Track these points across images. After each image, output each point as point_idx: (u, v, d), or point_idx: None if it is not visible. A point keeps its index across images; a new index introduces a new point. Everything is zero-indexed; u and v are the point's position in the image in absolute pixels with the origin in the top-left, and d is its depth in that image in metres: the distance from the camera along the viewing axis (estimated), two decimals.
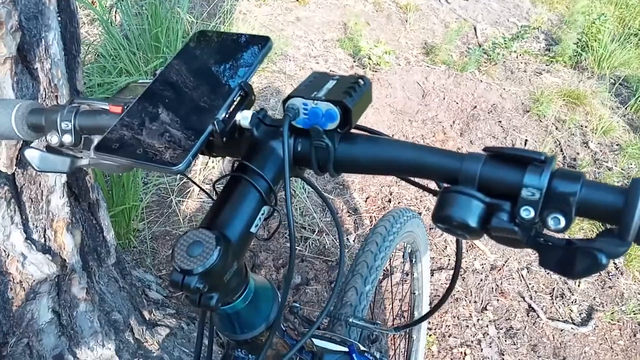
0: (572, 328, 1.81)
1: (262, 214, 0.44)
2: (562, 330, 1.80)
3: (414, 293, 1.27)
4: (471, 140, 2.54)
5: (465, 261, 1.98)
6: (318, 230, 1.88)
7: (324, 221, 1.94)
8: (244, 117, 0.45)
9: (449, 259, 1.97)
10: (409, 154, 0.43)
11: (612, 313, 1.90)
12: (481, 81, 2.99)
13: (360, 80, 0.45)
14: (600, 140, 2.71)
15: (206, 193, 0.51)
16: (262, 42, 0.49)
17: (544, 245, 0.38)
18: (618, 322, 1.89)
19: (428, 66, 3.05)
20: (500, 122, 2.68)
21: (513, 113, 2.77)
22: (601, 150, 2.65)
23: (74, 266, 0.96)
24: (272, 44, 0.50)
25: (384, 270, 1.78)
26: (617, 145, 2.72)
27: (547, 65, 3.27)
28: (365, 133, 0.50)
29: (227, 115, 0.44)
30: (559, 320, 1.83)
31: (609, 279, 2.04)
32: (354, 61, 2.95)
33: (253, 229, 0.43)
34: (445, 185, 0.41)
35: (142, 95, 0.47)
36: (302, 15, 3.24)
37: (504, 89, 2.96)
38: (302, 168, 0.48)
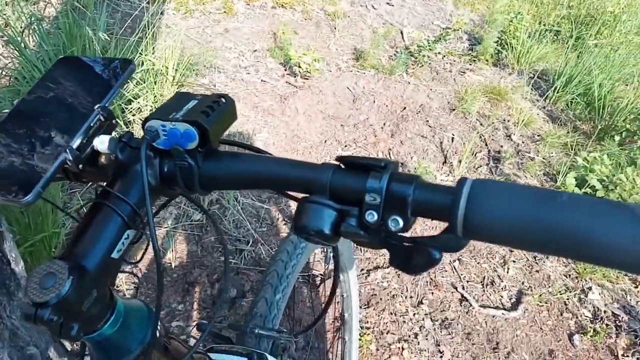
0: (503, 313, 1.89)
1: (126, 239, 0.44)
2: (494, 317, 1.88)
3: (343, 296, 1.30)
4: (401, 141, 2.62)
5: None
6: (253, 241, 1.89)
7: (259, 232, 1.95)
8: (101, 142, 0.45)
9: (384, 258, 2.02)
10: (270, 168, 0.45)
11: (540, 295, 2.00)
12: (409, 83, 3.09)
13: (221, 99, 0.47)
14: (522, 133, 2.86)
15: (75, 219, 0.51)
16: (123, 66, 0.50)
17: (393, 246, 0.41)
18: (546, 303, 1.99)
19: (358, 71, 3.12)
20: (428, 121, 2.77)
21: (440, 112, 2.88)
22: (523, 142, 2.79)
23: None
24: (135, 67, 0.50)
25: (308, 276, 1.80)
26: (538, 136, 2.87)
27: (470, 64, 3.42)
28: (241, 150, 0.51)
29: (83, 142, 0.44)
30: (490, 307, 1.91)
31: (536, 263, 2.15)
32: (285, 70, 2.97)
33: (115, 255, 0.43)
34: (303, 195, 0.43)
35: None
36: (231, 27, 3.24)
37: (431, 89, 3.07)
38: (172, 188, 0.49)
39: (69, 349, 1.14)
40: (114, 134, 0.48)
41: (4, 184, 0.41)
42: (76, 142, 0.43)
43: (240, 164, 0.46)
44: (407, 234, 0.41)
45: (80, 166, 0.44)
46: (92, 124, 0.45)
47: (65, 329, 0.40)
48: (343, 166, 0.43)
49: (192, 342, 0.52)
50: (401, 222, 0.39)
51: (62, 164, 0.42)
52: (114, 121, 0.47)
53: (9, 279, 1.00)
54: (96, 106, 0.46)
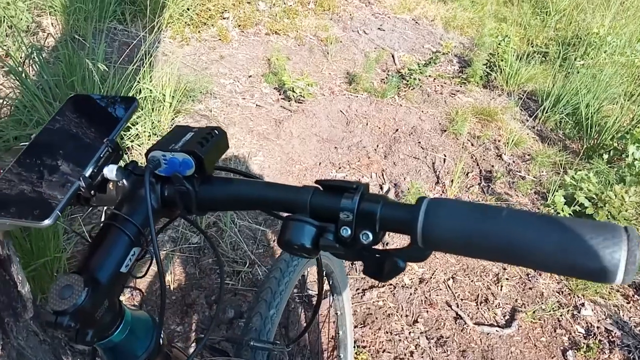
0: (497, 331, 1.92)
1: (133, 255, 0.49)
2: (488, 334, 1.91)
3: (337, 314, 1.34)
4: (394, 162, 2.67)
5: (396, 278, 2.06)
6: (249, 263, 1.92)
7: (256, 253, 1.99)
8: (109, 171, 0.51)
9: None
10: (258, 191, 0.51)
11: (534, 312, 2.03)
12: (401, 105, 3.16)
13: (214, 131, 0.52)
14: (512, 152, 2.92)
15: (86, 240, 0.56)
16: (128, 103, 0.55)
17: (366, 257, 0.46)
18: (539, 320, 2.02)
19: (351, 95, 3.20)
20: (420, 142, 2.84)
21: (432, 133, 2.95)
22: (514, 161, 2.86)
23: None
24: (138, 104, 0.56)
25: (305, 296, 1.84)
26: (528, 155, 2.94)
27: (460, 86, 3.50)
28: (234, 175, 0.57)
29: (94, 171, 0.50)
30: (484, 325, 1.94)
31: (529, 280, 2.19)
32: (280, 94, 3.04)
33: (123, 269, 0.48)
34: (287, 214, 0.48)
35: (17, 157, 0.52)
36: (226, 53, 3.32)
37: (422, 111, 3.14)
38: (172, 210, 0.54)
39: None
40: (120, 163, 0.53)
41: (25, 208, 0.46)
42: (88, 171, 0.49)
43: (232, 187, 0.52)
44: (378, 247, 0.47)
45: (93, 192, 0.49)
46: (101, 155, 0.50)
47: (80, 335, 0.45)
48: (321, 188, 0.49)
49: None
50: (371, 236, 0.45)
51: (76, 191, 0.48)
52: (120, 152, 0.52)
53: (15, 300, 1.03)
54: (105, 139, 0.51)
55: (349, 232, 0.45)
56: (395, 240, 2.18)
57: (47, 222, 0.45)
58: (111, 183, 0.52)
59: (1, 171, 0.53)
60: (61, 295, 0.43)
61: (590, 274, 0.37)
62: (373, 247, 0.46)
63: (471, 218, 0.41)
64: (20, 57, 2.33)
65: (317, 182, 0.48)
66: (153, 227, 0.48)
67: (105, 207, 0.55)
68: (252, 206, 0.52)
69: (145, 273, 0.52)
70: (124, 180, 0.51)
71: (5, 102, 2.08)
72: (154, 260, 0.49)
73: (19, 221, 0.46)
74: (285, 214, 0.49)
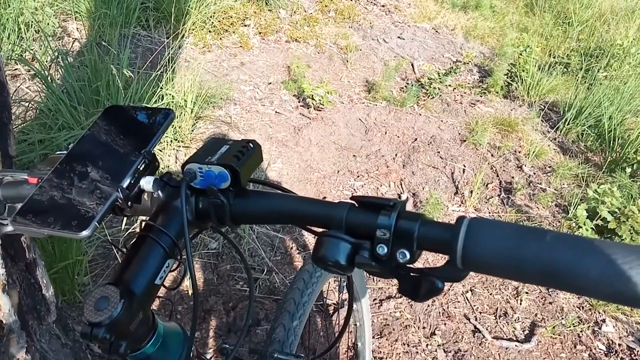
0: (516, 345, 1.89)
1: (167, 267, 0.50)
2: (507, 349, 1.88)
3: (356, 325, 1.33)
4: (413, 172, 2.66)
5: None
6: (267, 270, 1.92)
7: (273, 260, 1.99)
8: (146, 183, 0.51)
9: (397, 288, 2.03)
10: (293, 205, 0.50)
11: (553, 327, 2.00)
12: (420, 115, 3.15)
13: (250, 144, 0.53)
14: (533, 164, 2.89)
15: (121, 251, 0.56)
16: (164, 114, 0.56)
17: (402, 275, 0.45)
18: (559, 335, 1.99)
19: (370, 103, 3.19)
20: (439, 152, 2.82)
21: (451, 143, 2.93)
22: (534, 173, 2.82)
23: (11, 326, 0.97)
24: (174, 115, 0.56)
25: (322, 305, 1.83)
26: (549, 167, 2.90)
27: (480, 96, 3.48)
28: (268, 188, 0.57)
29: (131, 182, 0.50)
30: (503, 339, 1.91)
31: (549, 295, 2.15)
32: (299, 102, 3.05)
33: (157, 281, 0.49)
34: (321, 230, 0.48)
35: (55, 167, 0.52)
36: (247, 60, 3.34)
37: (442, 120, 3.12)
38: (206, 222, 0.54)
39: None
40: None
41: (63, 219, 0.47)
42: (126, 183, 0.49)
43: (267, 201, 0.52)
44: (414, 265, 0.46)
45: (129, 203, 0.49)
46: (138, 167, 0.51)
47: (114, 346, 0.45)
48: (357, 204, 0.48)
49: None
50: (408, 255, 0.44)
51: (114, 202, 0.48)
52: (157, 163, 0.53)
53: (39, 304, 1.05)
54: (142, 151, 0.51)
55: (386, 250, 0.44)
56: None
57: (85, 233, 0.46)
58: (146, 194, 0.53)
59: (39, 180, 0.53)
60: (97, 307, 0.43)
61: (635, 301, 0.36)
62: (409, 265, 0.45)
63: (513, 240, 0.40)
64: (47, 61, 2.37)
65: (352, 198, 0.48)
66: (188, 240, 0.49)
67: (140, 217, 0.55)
68: (286, 220, 0.52)
69: (178, 285, 0.53)
70: (159, 192, 0.51)
71: (30, 105, 2.12)
72: (181, 271, 0.49)
73: (57, 231, 0.47)
74: (319, 230, 0.49)
